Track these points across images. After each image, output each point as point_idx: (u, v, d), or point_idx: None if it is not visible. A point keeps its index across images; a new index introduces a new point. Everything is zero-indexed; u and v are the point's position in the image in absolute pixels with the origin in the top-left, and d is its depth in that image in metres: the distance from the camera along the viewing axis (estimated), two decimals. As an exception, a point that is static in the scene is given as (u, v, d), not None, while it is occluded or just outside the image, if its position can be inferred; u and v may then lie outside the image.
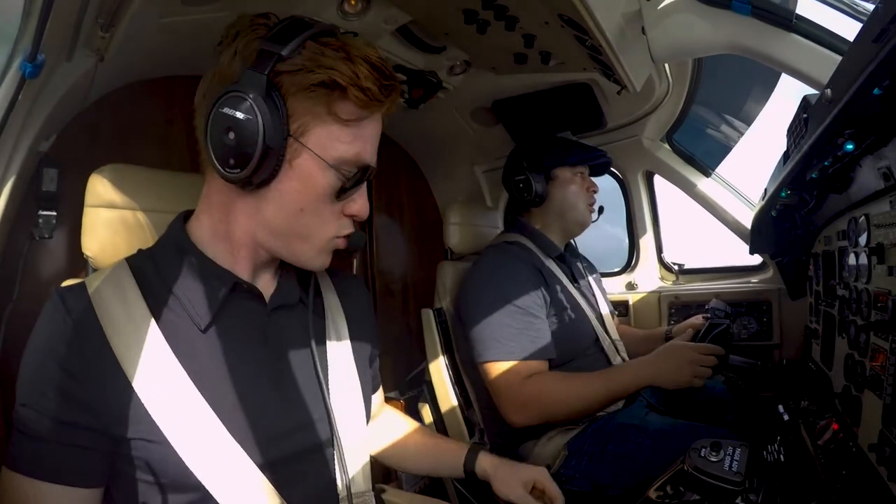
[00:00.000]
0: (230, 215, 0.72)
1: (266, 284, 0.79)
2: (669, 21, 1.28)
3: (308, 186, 0.69)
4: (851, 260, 1.02)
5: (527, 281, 1.44)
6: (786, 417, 1.26)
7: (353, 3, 1.24)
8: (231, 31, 0.69)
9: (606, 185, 2.25)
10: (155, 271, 0.72)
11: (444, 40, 1.48)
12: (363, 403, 0.85)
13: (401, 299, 2.28)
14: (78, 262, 1.27)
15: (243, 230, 0.72)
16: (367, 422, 0.88)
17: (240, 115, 0.63)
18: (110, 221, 0.86)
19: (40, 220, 1.26)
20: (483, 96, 1.80)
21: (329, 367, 0.81)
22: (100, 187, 0.86)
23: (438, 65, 1.58)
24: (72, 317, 0.65)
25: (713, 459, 0.72)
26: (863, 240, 0.95)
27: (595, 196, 1.67)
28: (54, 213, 1.27)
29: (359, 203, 0.74)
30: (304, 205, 0.69)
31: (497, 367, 1.35)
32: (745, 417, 1.47)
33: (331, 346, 0.84)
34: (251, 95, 0.63)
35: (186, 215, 0.78)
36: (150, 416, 0.64)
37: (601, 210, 1.70)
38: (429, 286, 1.73)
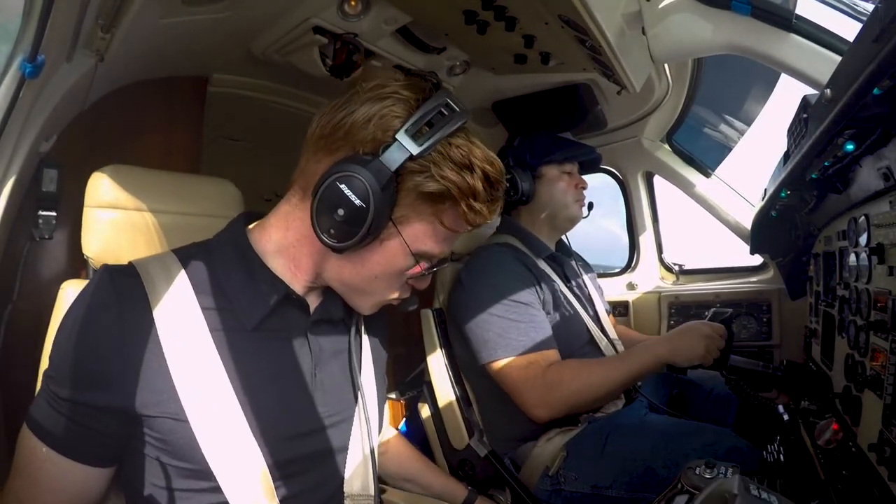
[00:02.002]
0: (305, 248, 0.75)
1: (312, 298, 0.81)
2: (669, 21, 1.28)
3: (390, 264, 0.74)
4: (851, 260, 1.02)
5: (521, 277, 1.43)
6: (786, 417, 1.26)
7: (353, 3, 1.24)
8: (383, 90, 0.69)
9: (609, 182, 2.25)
10: (208, 265, 0.73)
11: (444, 41, 1.48)
12: (376, 416, 0.89)
13: (401, 300, 2.27)
14: (78, 263, 1.27)
15: (315, 264, 0.76)
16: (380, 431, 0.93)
17: (355, 200, 0.65)
18: (110, 222, 0.86)
19: (40, 221, 1.26)
20: (483, 96, 1.80)
21: (360, 380, 0.85)
22: (100, 188, 0.86)
23: (438, 65, 1.58)
24: (118, 292, 0.66)
25: (708, 476, 0.75)
26: (863, 240, 0.95)
27: (584, 192, 1.65)
28: (54, 214, 1.28)
29: (425, 281, 0.81)
30: (379, 274, 0.75)
31: (512, 364, 1.33)
32: (746, 418, 1.47)
33: (362, 361, 0.87)
34: (373, 187, 0.65)
35: (248, 217, 0.80)
36: (177, 394, 0.65)
37: (591, 206, 1.68)
38: (429, 286, 1.72)
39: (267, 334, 0.73)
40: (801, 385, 1.30)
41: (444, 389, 1.58)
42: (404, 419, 2.20)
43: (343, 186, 0.65)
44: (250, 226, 0.79)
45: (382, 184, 0.65)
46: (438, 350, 1.61)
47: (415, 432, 1.86)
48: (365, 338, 0.91)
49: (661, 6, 1.28)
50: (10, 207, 1.01)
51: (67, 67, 1.05)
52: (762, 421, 1.37)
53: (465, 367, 1.56)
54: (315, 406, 0.77)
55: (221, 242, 0.77)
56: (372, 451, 0.84)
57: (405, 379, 2.17)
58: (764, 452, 1.12)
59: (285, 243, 0.76)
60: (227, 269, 0.73)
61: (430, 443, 1.63)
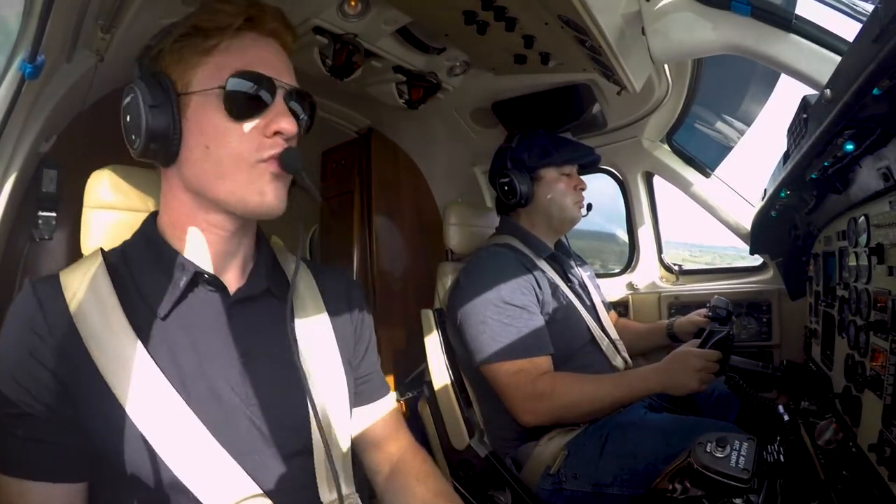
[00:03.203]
0: (170, 200, 0.75)
1: (233, 278, 0.78)
2: (669, 21, 1.28)
3: (203, 123, 0.69)
4: (851, 260, 1.02)
5: (519, 280, 1.44)
6: (786, 417, 1.26)
7: (353, 3, 1.24)
8: None
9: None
10: (124, 263, 0.74)
11: (444, 41, 1.48)
12: (345, 399, 0.83)
13: (401, 299, 2.28)
14: (78, 263, 1.27)
15: (184, 208, 0.74)
16: (350, 414, 0.85)
17: (127, 98, 0.71)
18: (110, 223, 0.86)
19: (40, 221, 1.26)
20: (483, 97, 1.80)
21: (303, 361, 0.78)
22: (99, 189, 0.86)
23: (438, 65, 1.58)
24: (40, 301, 0.67)
25: (719, 455, 0.70)
26: (863, 240, 0.95)
27: (583, 193, 1.65)
28: (54, 215, 1.27)
29: (272, 115, 0.70)
30: (206, 141, 0.69)
31: (504, 368, 1.35)
32: (747, 418, 1.47)
33: (306, 340, 0.81)
34: (133, 78, 0.71)
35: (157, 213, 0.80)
36: (112, 394, 0.65)
37: (590, 207, 1.67)
38: (429, 286, 1.73)
39: (183, 322, 0.72)
40: (801, 385, 1.30)
41: (445, 389, 1.58)
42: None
43: (123, 104, 0.72)
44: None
45: (138, 74, 0.72)
46: (438, 350, 1.61)
47: (415, 433, 1.86)
48: (318, 318, 0.85)
49: (660, 6, 1.28)
50: (10, 208, 1.01)
51: (67, 67, 1.05)
52: (762, 421, 1.37)
53: (465, 367, 1.56)
54: (245, 398, 0.72)
55: (135, 236, 0.78)
56: (327, 442, 0.74)
57: (405, 379, 2.17)
58: (764, 452, 1.12)
59: (166, 215, 0.76)
60: (140, 263, 0.74)
61: (431, 443, 1.63)
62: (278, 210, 0.72)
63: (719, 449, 0.70)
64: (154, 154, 0.71)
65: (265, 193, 0.70)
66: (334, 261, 2.24)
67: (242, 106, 0.69)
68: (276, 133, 0.70)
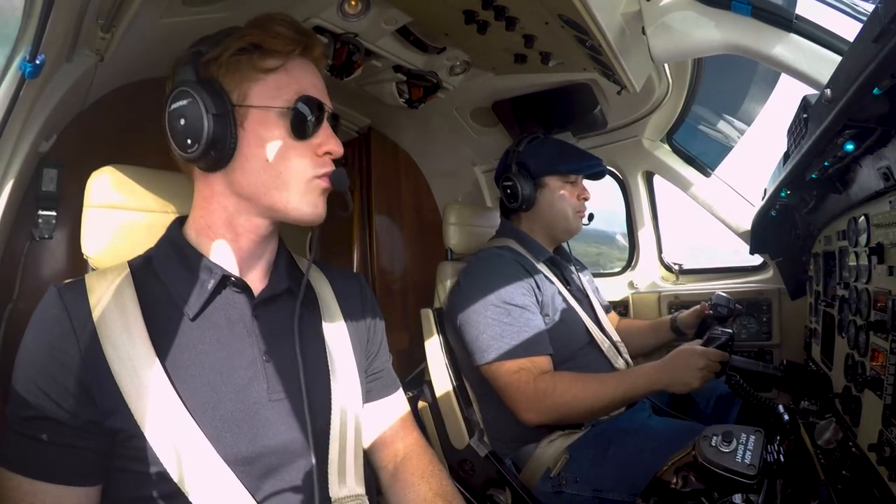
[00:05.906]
0: (210, 204, 0.77)
1: (257, 279, 0.81)
2: (669, 21, 1.28)
3: (264, 138, 0.74)
4: (851, 260, 1.02)
5: (518, 280, 1.44)
6: (786, 417, 1.26)
7: (353, 3, 1.24)
8: None
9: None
10: (151, 269, 0.76)
11: (445, 41, 1.48)
12: (358, 398, 0.85)
13: (401, 299, 2.28)
14: (78, 263, 1.27)
15: (225, 212, 0.76)
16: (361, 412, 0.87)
17: (183, 101, 0.72)
18: (110, 222, 0.86)
19: (40, 221, 1.26)
20: (483, 96, 1.80)
21: (320, 360, 0.82)
22: (99, 188, 0.86)
23: (438, 65, 1.58)
24: (66, 306, 0.68)
25: (725, 450, 0.68)
26: (863, 240, 0.95)
27: (586, 203, 1.64)
28: (54, 214, 1.28)
29: (324, 137, 0.78)
30: (267, 154, 0.74)
31: (505, 367, 1.34)
32: (747, 418, 1.47)
33: (324, 339, 0.84)
34: (187, 83, 0.72)
35: (183, 219, 0.82)
36: (125, 400, 0.66)
37: (591, 217, 1.67)
38: (429, 286, 1.73)
39: (210, 323, 0.74)
40: (801, 385, 1.30)
41: (444, 389, 1.58)
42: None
43: (173, 106, 0.74)
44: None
45: (193, 76, 0.74)
46: (438, 349, 1.61)
47: (415, 432, 1.86)
48: (337, 320, 0.87)
49: (660, 6, 1.28)
50: (10, 207, 1.01)
51: (67, 67, 1.05)
52: (762, 421, 1.37)
53: (465, 367, 1.56)
54: (268, 394, 0.74)
55: (161, 244, 0.80)
56: (343, 440, 0.78)
57: (405, 379, 2.17)
58: (764, 452, 1.12)
59: (198, 218, 0.78)
60: (167, 267, 0.76)
61: (430, 443, 1.63)
62: (321, 220, 0.80)
63: (725, 443, 0.68)
64: (209, 160, 0.73)
65: (317, 206, 0.78)
66: (334, 260, 2.25)
67: (303, 127, 0.75)
68: (326, 153, 0.78)
